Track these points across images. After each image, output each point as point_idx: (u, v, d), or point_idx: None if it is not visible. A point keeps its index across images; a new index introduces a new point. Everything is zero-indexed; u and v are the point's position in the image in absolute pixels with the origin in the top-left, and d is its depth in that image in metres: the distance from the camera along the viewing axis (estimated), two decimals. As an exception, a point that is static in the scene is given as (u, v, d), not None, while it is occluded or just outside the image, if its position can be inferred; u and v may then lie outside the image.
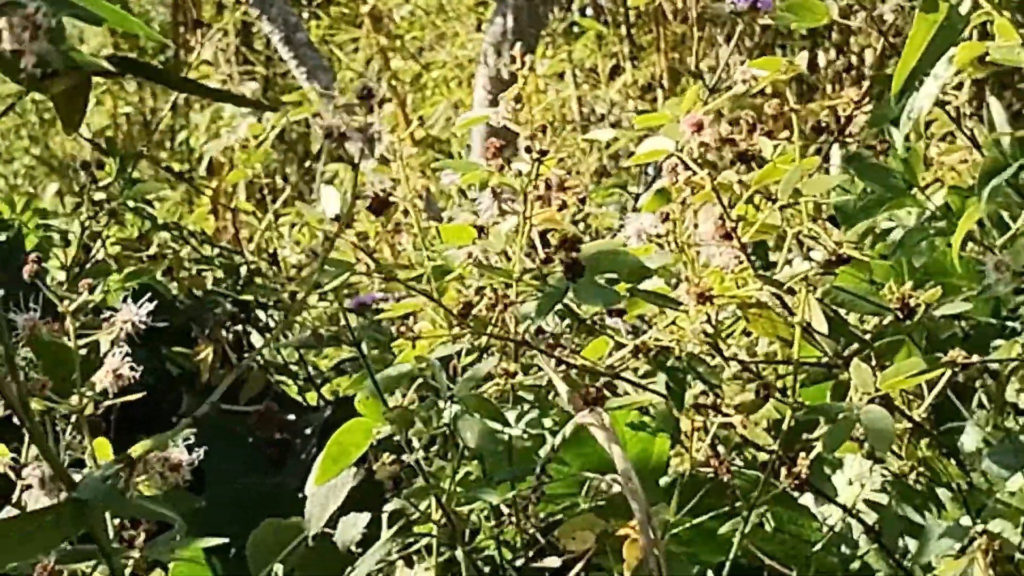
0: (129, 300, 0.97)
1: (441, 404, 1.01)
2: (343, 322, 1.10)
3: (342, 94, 2.57)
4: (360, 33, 4.33)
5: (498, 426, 1.02)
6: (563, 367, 1.05)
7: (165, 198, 3.50)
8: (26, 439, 1.07)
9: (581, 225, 1.31)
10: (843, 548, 1.43)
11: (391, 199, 0.88)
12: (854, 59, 4.20)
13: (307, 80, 3.63)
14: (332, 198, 2.05)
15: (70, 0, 0.78)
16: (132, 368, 0.96)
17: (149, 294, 0.99)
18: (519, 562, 1.31)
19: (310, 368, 1.90)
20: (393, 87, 3.56)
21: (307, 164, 4.29)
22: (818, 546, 1.19)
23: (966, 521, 1.28)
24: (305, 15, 4.39)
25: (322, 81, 3.60)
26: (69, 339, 0.96)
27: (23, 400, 0.79)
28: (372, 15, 4.11)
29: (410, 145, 1.20)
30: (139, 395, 1.15)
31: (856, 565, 1.46)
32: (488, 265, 1.04)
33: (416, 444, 1.19)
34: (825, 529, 1.30)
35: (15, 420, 1.00)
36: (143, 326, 0.97)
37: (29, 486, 0.91)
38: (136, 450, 0.91)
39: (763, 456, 1.21)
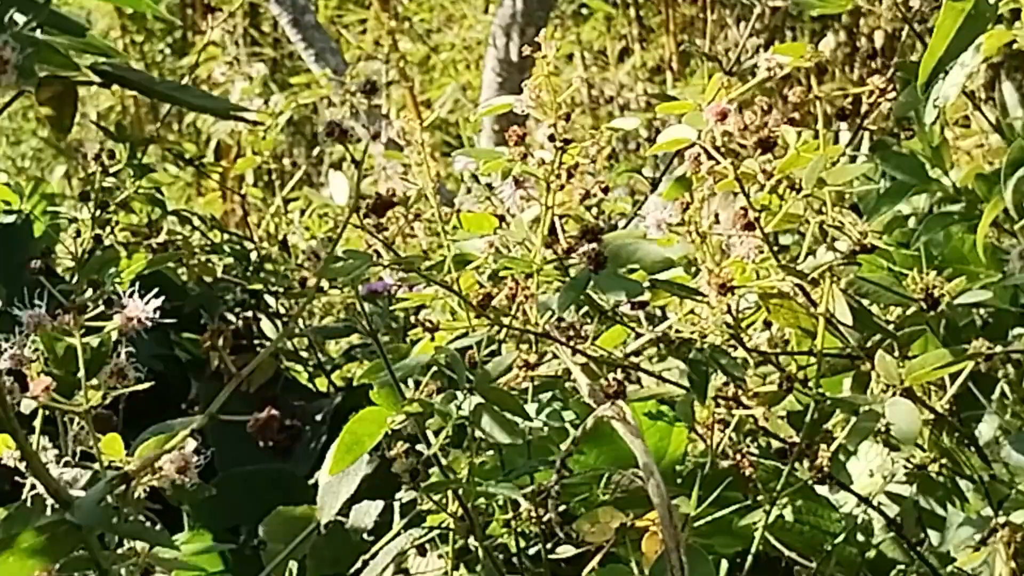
0: (136, 295, 0.96)
1: (460, 396, 0.99)
2: (356, 310, 1.08)
3: (351, 77, 2.56)
4: (368, 14, 4.31)
5: (518, 419, 1.01)
6: (582, 358, 1.04)
7: (173, 182, 3.49)
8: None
9: (594, 211, 1.30)
10: (858, 535, 1.42)
11: (395, 200, 0.87)
12: (863, 40, 4.18)
13: (315, 62, 3.61)
14: (340, 184, 2.04)
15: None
16: (137, 369, 0.95)
17: (157, 288, 0.97)
18: (532, 551, 1.30)
19: (320, 354, 1.89)
20: (401, 69, 3.55)
21: (315, 147, 4.28)
22: (839, 539, 1.18)
23: (988, 512, 1.27)
24: (312, -4, 4.36)
25: (330, 63, 3.59)
26: (74, 336, 0.95)
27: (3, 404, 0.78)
28: (380, -4, 4.10)
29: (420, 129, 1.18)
30: (146, 385, 1.14)
31: (871, 554, 1.45)
32: (510, 255, 1.03)
33: (432, 436, 1.18)
34: (842, 518, 1.28)
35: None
36: (149, 322, 0.95)
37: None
38: (139, 455, 0.90)
39: (776, 443, 1.19)
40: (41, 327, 0.92)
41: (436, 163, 1.65)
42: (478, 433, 1.02)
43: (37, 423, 1.01)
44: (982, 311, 1.47)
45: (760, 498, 1.07)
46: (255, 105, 1.99)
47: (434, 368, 1.15)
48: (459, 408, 0.99)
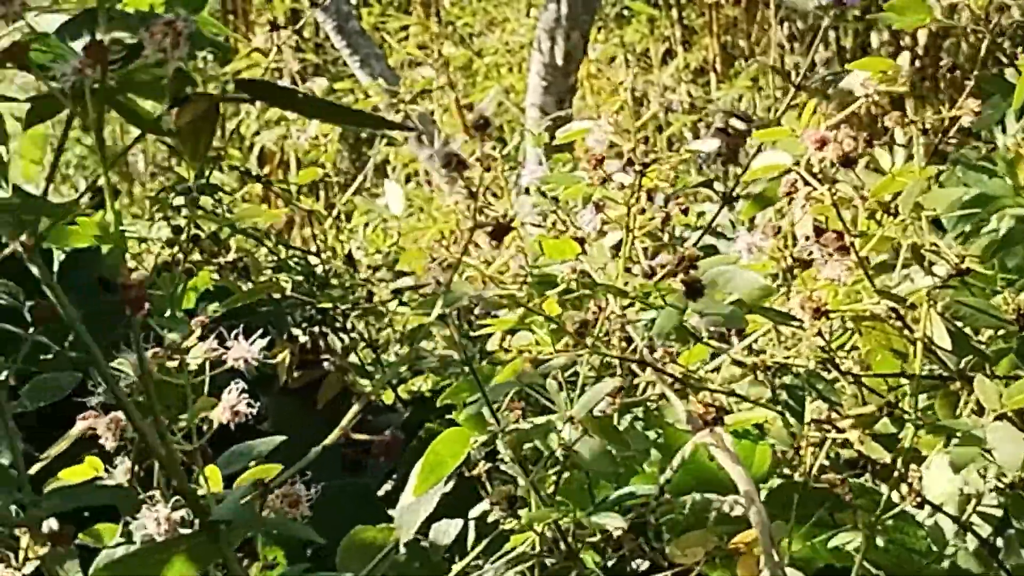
0: (240, 336, 0.96)
1: (559, 424, 1.00)
2: (452, 339, 1.08)
3: (406, 85, 2.56)
4: (411, 20, 4.31)
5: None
6: (676, 383, 1.04)
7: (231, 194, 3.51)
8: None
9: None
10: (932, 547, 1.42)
11: (512, 225, 0.87)
12: (907, 39, 4.16)
13: (360, 68, 3.62)
14: (395, 194, 2.05)
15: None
16: (249, 405, 0.95)
17: (261, 330, 0.98)
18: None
19: (386, 368, 1.89)
20: (445, 74, 3.55)
21: (358, 154, 4.29)
22: (934, 561, 1.17)
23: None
24: (354, 1, 4.37)
25: (375, 69, 3.59)
26: (177, 374, 0.95)
27: (163, 436, 0.78)
28: (423, 2, 4.09)
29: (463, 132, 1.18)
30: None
31: (945, 564, 1.44)
32: (603, 284, 1.03)
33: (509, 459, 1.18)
34: (926, 535, 1.28)
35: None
36: (255, 363, 0.96)
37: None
38: (261, 475, 0.90)
39: (846, 453, 1.19)
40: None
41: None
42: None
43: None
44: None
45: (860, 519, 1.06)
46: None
47: (515, 390, 1.15)
48: (558, 436, 0.99)
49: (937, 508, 1.09)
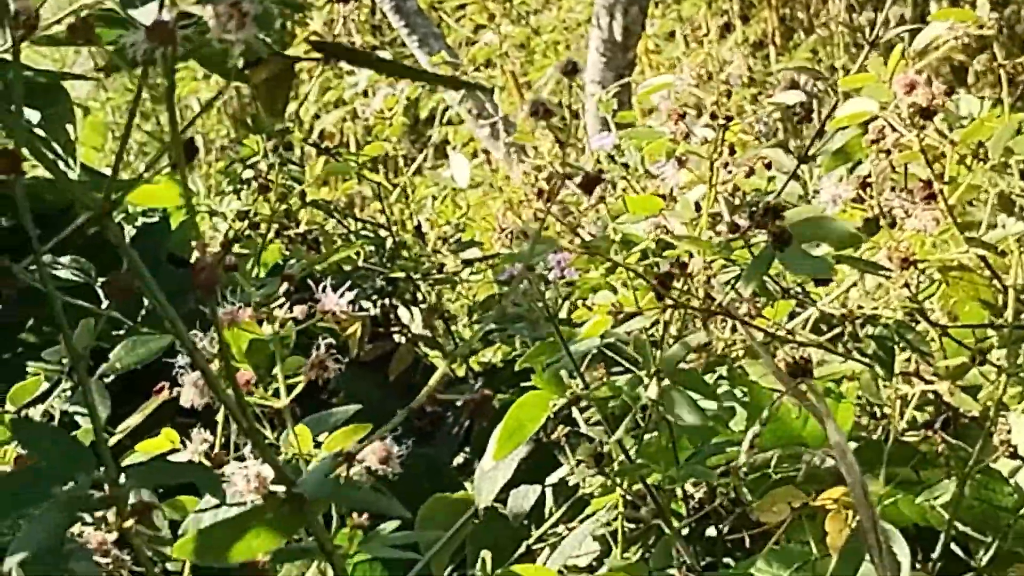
0: (328, 288, 0.95)
1: (645, 379, 0.98)
2: (533, 297, 1.07)
3: (468, 59, 2.55)
4: (468, -1, 4.31)
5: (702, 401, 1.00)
6: (764, 336, 1.02)
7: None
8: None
9: (729, 186, 1.28)
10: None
11: (602, 176, 0.86)
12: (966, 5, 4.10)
13: (419, 48, 3.61)
14: (461, 166, 2.04)
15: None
16: (337, 360, 0.95)
17: (348, 283, 0.97)
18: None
19: (456, 340, 1.88)
20: (503, 52, 3.54)
21: (417, 133, 4.28)
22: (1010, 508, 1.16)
23: None
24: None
25: (433, 48, 3.58)
26: (263, 331, 0.95)
27: (239, 398, 0.77)
28: (480, -20, 4.09)
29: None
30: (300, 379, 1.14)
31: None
32: (686, 236, 1.02)
33: (590, 420, 1.17)
34: (1014, 491, 1.26)
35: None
36: (344, 315, 0.95)
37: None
38: (349, 437, 0.90)
39: (922, 416, 1.18)
40: (234, 323, 0.92)
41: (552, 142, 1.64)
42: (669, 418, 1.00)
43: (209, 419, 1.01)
44: None
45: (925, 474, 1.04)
46: (382, 93, 1.99)
47: (594, 351, 1.15)
48: (646, 391, 0.98)
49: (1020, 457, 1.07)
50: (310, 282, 0.96)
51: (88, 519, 0.82)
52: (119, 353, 1.08)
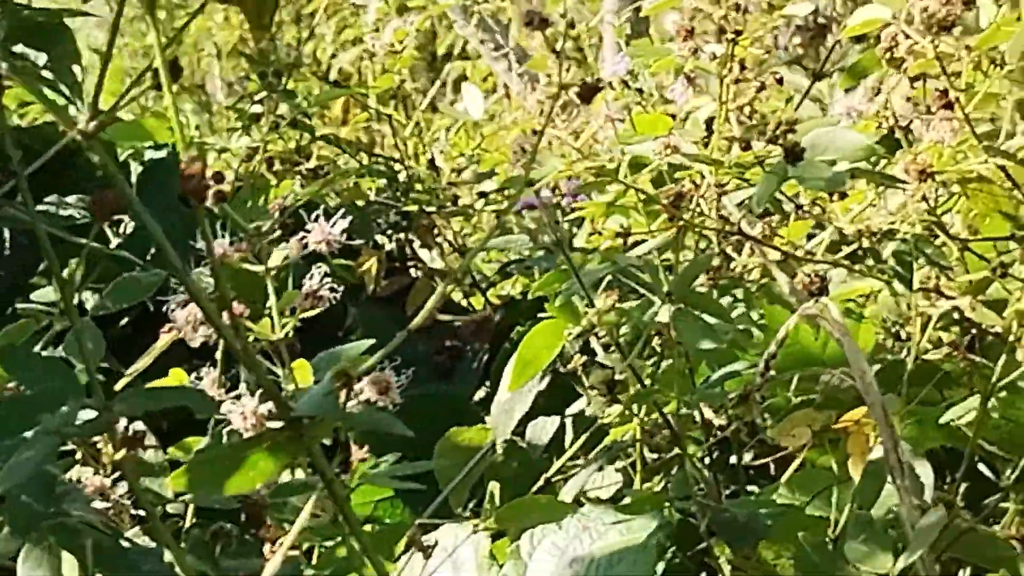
0: (321, 217, 0.93)
1: (657, 303, 0.96)
2: (542, 222, 1.04)
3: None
4: (482, -69, 4.25)
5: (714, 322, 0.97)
6: (779, 255, 1.00)
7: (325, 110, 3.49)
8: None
9: (747, 110, 1.25)
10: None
11: (600, 85, 0.83)
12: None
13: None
14: (474, 97, 2.00)
15: None
16: (332, 290, 0.92)
17: (343, 210, 0.95)
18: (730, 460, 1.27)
19: (475, 273, 1.86)
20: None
21: (433, 70, 4.25)
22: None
23: None
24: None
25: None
26: (257, 263, 0.92)
27: (237, 330, 0.75)
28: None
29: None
30: (311, 313, 1.11)
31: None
32: (695, 155, 0.99)
33: (603, 345, 1.14)
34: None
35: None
36: (338, 245, 0.93)
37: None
38: (344, 367, 0.87)
39: (948, 337, 1.15)
40: (227, 257, 0.90)
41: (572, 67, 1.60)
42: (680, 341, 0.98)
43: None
44: None
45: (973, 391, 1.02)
46: (392, 26, 1.95)
47: (609, 278, 1.12)
48: (655, 315, 0.95)
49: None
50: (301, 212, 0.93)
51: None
52: (110, 293, 1.05)
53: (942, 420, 1.13)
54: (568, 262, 1.02)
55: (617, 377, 1.03)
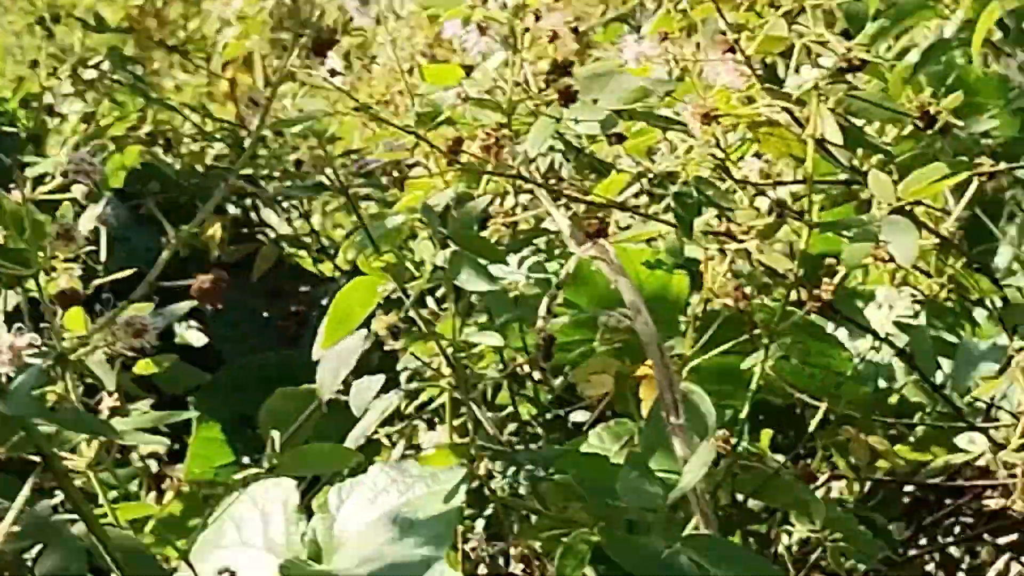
0: (69, 147, 0.91)
1: (435, 248, 0.95)
2: (331, 173, 1.04)
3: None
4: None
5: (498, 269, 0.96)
6: (563, 202, 0.99)
7: (185, 84, 3.44)
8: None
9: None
10: (880, 381, 1.38)
11: (336, 37, 0.82)
12: None
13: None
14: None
15: None
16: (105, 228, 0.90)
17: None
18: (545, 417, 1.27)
19: (323, 239, 1.85)
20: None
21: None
22: (848, 374, 1.13)
23: (1003, 340, 1.23)
24: None
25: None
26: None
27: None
28: None
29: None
30: (127, 272, 1.10)
31: (894, 399, 1.41)
32: (480, 99, 0.98)
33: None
34: (852, 357, 1.24)
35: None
36: (98, 176, 0.90)
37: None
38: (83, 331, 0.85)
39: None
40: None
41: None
42: (461, 289, 0.97)
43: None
44: (991, 142, 1.41)
45: (757, 333, 1.02)
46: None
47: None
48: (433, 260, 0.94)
49: (847, 318, 1.05)
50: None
51: None
52: None
53: (744, 366, 1.13)
54: (356, 212, 1.02)
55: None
